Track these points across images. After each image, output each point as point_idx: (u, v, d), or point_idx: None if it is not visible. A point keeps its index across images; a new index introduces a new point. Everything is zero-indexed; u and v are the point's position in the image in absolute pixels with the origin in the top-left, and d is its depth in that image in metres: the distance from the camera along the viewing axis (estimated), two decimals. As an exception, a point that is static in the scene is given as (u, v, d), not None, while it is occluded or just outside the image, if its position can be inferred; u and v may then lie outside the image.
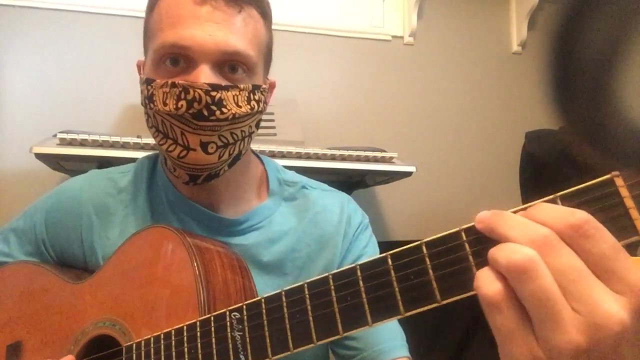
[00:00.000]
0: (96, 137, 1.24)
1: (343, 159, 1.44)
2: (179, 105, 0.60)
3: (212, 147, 0.63)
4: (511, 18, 2.17)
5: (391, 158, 1.49)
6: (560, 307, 0.31)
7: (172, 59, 0.62)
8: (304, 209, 0.77)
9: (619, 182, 0.33)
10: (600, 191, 0.34)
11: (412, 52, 2.04)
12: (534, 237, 0.32)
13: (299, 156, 1.38)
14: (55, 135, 1.25)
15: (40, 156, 1.24)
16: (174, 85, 0.61)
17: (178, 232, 0.62)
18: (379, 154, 1.47)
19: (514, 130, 1.99)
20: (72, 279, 0.72)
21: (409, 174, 1.51)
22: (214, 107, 0.61)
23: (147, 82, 0.64)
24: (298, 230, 0.75)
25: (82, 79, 1.68)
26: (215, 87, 0.61)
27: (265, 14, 0.68)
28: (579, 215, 0.32)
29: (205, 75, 0.61)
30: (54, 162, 1.31)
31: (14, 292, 0.76)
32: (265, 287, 0.70)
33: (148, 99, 0.64)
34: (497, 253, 0.33)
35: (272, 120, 1.53)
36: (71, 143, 1.24)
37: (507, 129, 2.06)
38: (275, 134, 1.51)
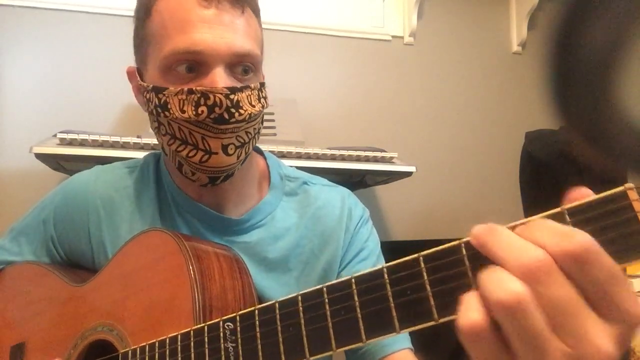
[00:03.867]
0: (96, 137, 1.24)
1: (343, 159, 1.44)
2: (200, 112, 0.61)
3: (231, 149, 0.64)
4: (511, 18, 2.17)
5: (391, 158, 1.49)
6: (546, 345, 0.30)
7: (188, 66, 0.62)
8: (305, 205, 0.78)
9: (633, 195, 0.30)
10: (611, 205, 0.30)
11: (412, 52, 2.04)
12: (527, 263, 0.30)
13: (299, 156, 1.38)
14: (55, 135, 1.25)
15: (40, 156, 1.24)
16: (191, 91, 0.61)
17: (175, 236, 0.62)
18: (379, 154, 1.47)
19: (514, 130, 1.99)
20: (74, 281, 0.72)
21: (409, 174, 1.51)
22: (233, 110, 0.62)
23: (157, 91, 0.63)
24: (300, 226, 0.76)
25: (82, 79, 1.68)
26: (233, 90, 0.62)
27: (257, 11, 0.69)
28: (578, 241, 0.29)
29: (221, 78, 0.61)
30: (54, 162, 1.31)
31: (19, 292, 0.76)
32: (272, 283, 0.71)
33: (161, 107, 0.63)
34: (484, 282, 0.31)
35: (272, 120, 1.52)
36: (71, 143, 1.23)
37: (507, 129, 2.06)
38: (275, 134, 1.51)
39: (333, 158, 1.43)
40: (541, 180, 1.79)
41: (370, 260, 0.77)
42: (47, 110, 1.63)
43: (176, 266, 0.60)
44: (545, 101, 0.31)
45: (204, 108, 0.61)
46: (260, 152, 0.82)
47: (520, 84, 2.11)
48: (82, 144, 1.24)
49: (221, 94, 0.61)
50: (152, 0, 0.65)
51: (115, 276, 0.67)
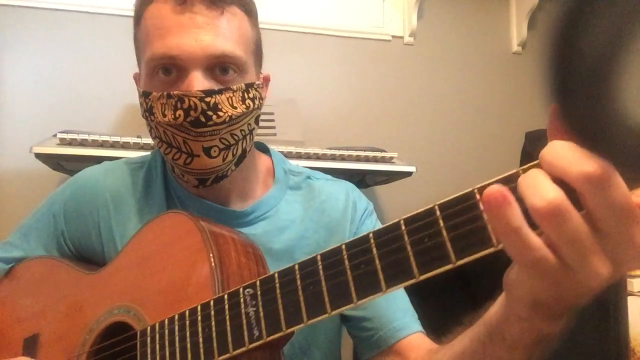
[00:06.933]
0: (96, 137, 1.24)
1: (343, 159, 1.44)
2: (177, 115, 0.62)
3: (214, 151, 0.64)
4: (511, 18, 2.16)
5: (391, 158, 1.49)
6: (635, 215, 0.32)
7: (164, 69, 0.64)
8: (309, 198, 0.79)
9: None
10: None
11: (412, 52, 2.04)
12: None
13: (299, 156, 1.38)
14: (55, 135, 1.25)
15: (40, 156, 1.24)
16: (169, 96, 0.62)
17: (192, 217, 0.63)
18: (379, 154, 1.47)
19: (514, 130, 1.99)
20: (88, 269, 0.72)
21: (409, 174, 1.51)
22: (210, 113, 0.62)
23: (145, 95, 0.66)
24: (305, 218, 0.76)
25: (82, 79, 1.68)
26: (209, 93, 0.62)
27: (250, 11, 0.69)
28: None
29: (197, 81, 0.62)
30: (54, 162, 1.31)
31: (32, 286, 0.76)
32: None
33: (148, 112, 0.66)
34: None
35: (272, 120, 1.52)
36: (71, 143, 1.24)
37: (507, 129, 2.05)
38: (275, 134, 1.50)
39: (333, 158, 1.43)
40: (541, 180, 1.79)
41: None
42: (47, 110, 1.63)
43: (194, 244, 0.60)
44: (545, 101, 0.31)
45: (180, 112, 0.62)
46: (265, 150, 0.83)
47: (520, 84, 2.11)
48: (82, 144, 1.24)
49: (195, 97, 0.61)
50: (141, 9, 0.67)
51: (131, 260, 0.67)
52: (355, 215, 0.79)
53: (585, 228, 0.32)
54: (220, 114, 0.63)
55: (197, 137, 0.63)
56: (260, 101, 0.70)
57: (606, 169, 0.30)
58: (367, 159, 1.46)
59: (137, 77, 0.72)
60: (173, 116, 0.62)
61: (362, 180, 1.60)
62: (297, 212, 0.77)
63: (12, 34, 1.63)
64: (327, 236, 0.76)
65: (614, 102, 0.28)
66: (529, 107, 2.04)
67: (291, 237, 0.74)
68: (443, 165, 1.99)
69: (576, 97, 0.29)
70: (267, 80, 0.75)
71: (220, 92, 0.63)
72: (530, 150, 1.85)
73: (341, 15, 1.97)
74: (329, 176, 0.85)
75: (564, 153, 0.32)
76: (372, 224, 0.81)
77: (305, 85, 1.89)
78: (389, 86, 1.99)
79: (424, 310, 0.74)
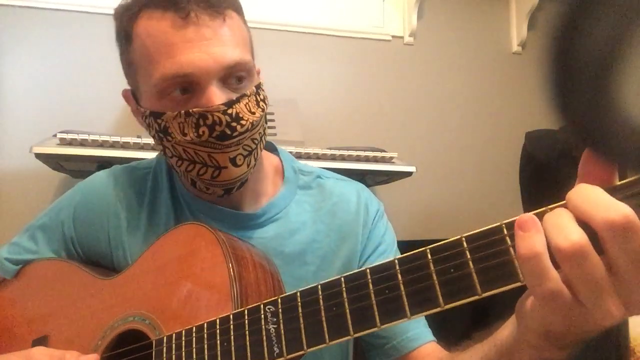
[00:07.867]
0: (96, 137, 1.24)
1: (343, 159, 1.44)
2: (201, 132, 0.61)
3: (240, 159, 0.64)
4: (511, 18, 2.16)
5: (391, 158, 1.49)
6: None
7: (181, 89, 0.62)
8: (320, 199, 0.78)
9: None
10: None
11: (412, 52, 2.04)
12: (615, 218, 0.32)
13: (299, 156, 1.38)
14: (55, 135, 1.25)
15: (40, 156, 1.24)
16: (188, 114, 0.61)
17: (212, 229, 0.63)
18: (379, 154, 1.47)
19: (514, 130, 1.99)
20: (102, 274, 0.72)
21: (409, 174, 1.51)
22: (234, 124, 0.62)
23: (155, 116, 0.64)
24: (317, 220, 0.76)
25: (82, 79, 1.67)
26: (230, 104, 0.62)
27: (239, 9, 0.68)
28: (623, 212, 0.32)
29: (216, 96, 0.61)
30: (54, 162, 1.31)
31: (42, 287, 0.76)
32: (288, 277, 0.70)
33: (162, 132, 0.64)
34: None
35: (272, 120, 1.52)
36: (71, 143, 1.23)
37: (507, 129, 2.05)
38: (275, 134, 1.50)
39: (333, 158, 1.43)
40: (541, 180, 1.79)
41: (388, 254, 0.77)
42: (47, 110, 1.63)
43: (214, 256, 0.60)
44: (545, 101, 0.31)
45: (204, 129, 0.61)
46: (273, 149, 0.83)
47: (520, 84, 2.11)
48: (82, 144, 1.24)
49: (218, 111, 0.60)
50: (130, 24, 0.65)
51: (148, 269, 0.67)
52: (368, 219, 0.78)
53: (603, 271, 0.33)
54: (243, 122, 0.62)
55: (223, 149, 0.62)
56: (267, 99, 0.70)
57: (630, 218, 0.31)
58: (367, 159, 1.46)
59: (128, 96, 0.70)
60: (196, 134, 0.61)
61: (362, 180, 1.60)
62: (308, 214, 0.76)
63: (12, 34, 1.63)
64: (339, 240, 0.75)
65: (615, 102, 0.28)
66: (529, 107, 2.04)
67: (302, 241, 0.74)
68: (443, 165, 1.99)
69: (577, 97, 0.29)
70: (259, 72, 0.74)
71: (238, 100, 0.63)
72: (531, 150, 1.85)
73: (341, 15, 1.97)
74: (339, 175, 0.84)
75: (591, 198, 0.33)
76: (384, 227, 0.80)
77: (305, 85, 1.89)
78: (389, 86, 1.99)
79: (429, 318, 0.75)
